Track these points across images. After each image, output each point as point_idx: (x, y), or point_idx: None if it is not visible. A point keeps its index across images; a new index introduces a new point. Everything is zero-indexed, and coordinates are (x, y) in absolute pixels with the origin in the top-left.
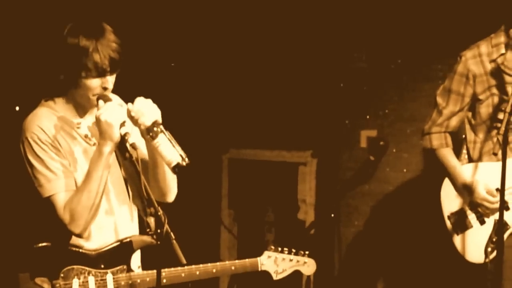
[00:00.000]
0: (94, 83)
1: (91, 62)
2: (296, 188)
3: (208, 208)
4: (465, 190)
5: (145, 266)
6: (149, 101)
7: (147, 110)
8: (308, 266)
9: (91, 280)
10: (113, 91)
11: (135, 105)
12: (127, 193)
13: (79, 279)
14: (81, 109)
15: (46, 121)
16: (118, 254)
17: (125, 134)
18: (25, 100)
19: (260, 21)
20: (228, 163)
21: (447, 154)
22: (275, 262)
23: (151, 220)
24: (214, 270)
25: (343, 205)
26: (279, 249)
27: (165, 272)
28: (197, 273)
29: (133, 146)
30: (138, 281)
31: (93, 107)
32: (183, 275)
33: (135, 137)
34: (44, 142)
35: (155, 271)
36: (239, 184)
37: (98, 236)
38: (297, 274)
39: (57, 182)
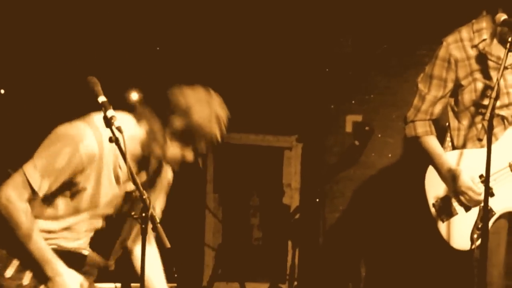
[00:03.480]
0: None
1: (201, 145)
2: (281, 172)
3: (193, 192)
4: (450, 178)
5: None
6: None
7: None
8: None
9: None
10: (104, 77)
11: None
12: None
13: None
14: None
15: (105, 150)
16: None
17: (112, 118)
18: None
19: (246, 6)
20: (213, 147)
21: (431, 142)
22: None
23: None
24: None
25: (328, 190)
26: None
27: None
28: None
29: (118, 129)
30: None
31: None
32: None
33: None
34: (76, 156)
35: None
36: (224, 168)
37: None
38: (283, 258)
39: (37, 174)
